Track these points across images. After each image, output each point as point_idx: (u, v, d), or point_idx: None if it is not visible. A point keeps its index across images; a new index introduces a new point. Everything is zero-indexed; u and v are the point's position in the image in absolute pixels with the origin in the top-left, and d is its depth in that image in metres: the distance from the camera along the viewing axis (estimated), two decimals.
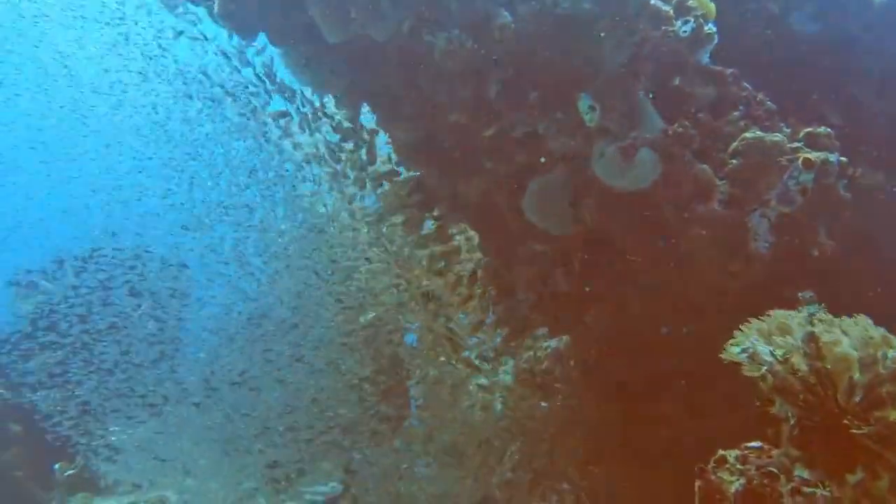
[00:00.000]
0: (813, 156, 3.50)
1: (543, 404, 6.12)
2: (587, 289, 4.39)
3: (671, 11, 3.95)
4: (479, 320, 6.54)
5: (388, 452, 6.88)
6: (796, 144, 3.75)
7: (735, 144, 3.75)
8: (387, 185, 6.05)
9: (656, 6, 3.93)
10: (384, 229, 6.71)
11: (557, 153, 4.15)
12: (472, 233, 6.01)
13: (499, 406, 6.47)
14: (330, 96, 5.29)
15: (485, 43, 3.89)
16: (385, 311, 7.08)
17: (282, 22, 4.61)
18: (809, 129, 3.79)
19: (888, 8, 4.62)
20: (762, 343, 2.08)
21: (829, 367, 1.88)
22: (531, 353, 6.33)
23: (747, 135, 3.70)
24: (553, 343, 6.22)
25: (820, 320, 1.91)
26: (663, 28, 3.93)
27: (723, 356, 2.20)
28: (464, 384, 6.64)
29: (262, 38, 4.77)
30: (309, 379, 7.02)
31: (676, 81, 4.02)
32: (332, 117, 5.34)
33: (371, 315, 7.26)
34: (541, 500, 6.00)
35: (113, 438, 7.66)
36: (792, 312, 2.04)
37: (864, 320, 1.82)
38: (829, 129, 3.76)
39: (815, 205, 3.66)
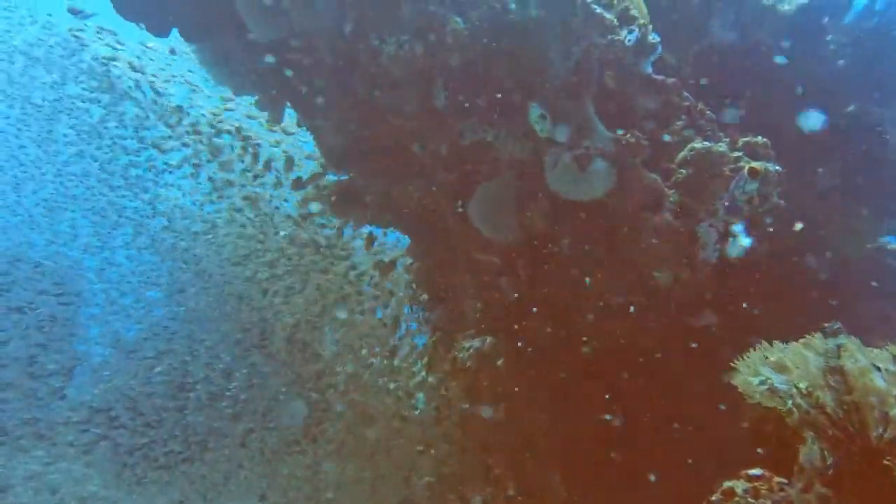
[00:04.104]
0: (758, 165, 3.61)
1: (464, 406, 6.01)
2: (533, 298, 4.33)
3: (615, 20, 3.94)
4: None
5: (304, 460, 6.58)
6: (737, 154, 3.87)
7: (683, 154, 3.80)
8: (309, 189, 5.71)
9: (601, 14, 3.89)
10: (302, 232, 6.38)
11: (505, 160, 4.03)
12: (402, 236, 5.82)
13: (420, 405, 6.34)
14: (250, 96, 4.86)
15: (434, 49, 3.68)
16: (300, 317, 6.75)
17: (197, 15, 4.14)
18: (747, 139, 3.92)
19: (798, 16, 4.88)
20: (776, 373, 2.07)
21: (856, 400, 1.89)
22: (456, 353, 6.25)
23: (696, 145, 3.76)
24: (476, 344, 6.17)
25: (845, 351, 1.91)
26: (609, 37, 3.91)
27: (734, 383, 2.16)
28: (385, 385, 6.47)
29: (174, 35, 4.26)
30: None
31: (621, 90, 4.02)
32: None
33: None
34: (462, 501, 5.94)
35: None
36: (809, 341, 2.03)
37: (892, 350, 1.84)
38: (765, 140, 3.90)
39: (756, 213, 3.79)
